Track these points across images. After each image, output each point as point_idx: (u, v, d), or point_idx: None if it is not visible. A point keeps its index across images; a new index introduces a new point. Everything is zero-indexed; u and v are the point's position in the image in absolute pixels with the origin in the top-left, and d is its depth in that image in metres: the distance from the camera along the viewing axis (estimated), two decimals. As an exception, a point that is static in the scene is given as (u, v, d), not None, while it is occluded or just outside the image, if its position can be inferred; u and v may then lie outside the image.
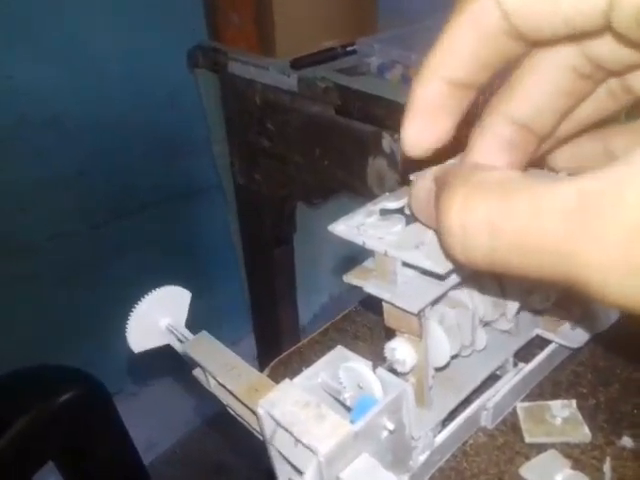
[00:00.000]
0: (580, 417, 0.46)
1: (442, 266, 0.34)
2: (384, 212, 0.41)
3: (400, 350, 0.40)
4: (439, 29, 0.30)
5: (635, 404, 0.47)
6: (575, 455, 0.43)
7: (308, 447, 0.34)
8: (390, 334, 0.42)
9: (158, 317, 0.49)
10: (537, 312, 0.48)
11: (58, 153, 1.39)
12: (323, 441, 0.34)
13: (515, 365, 0.48)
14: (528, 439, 0.45)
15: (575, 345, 0.47)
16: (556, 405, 0.47)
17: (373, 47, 1.04)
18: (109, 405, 0.89)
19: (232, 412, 0.45)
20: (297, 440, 0.35)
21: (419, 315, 0.38)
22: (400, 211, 0.41)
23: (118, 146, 1.46)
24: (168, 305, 0.50)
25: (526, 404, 0.47)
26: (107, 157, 1.45)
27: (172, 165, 1.59)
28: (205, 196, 1.69)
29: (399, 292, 0.38)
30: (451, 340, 0.42)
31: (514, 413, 0.47)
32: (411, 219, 0.39)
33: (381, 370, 0.38)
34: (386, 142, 1.07)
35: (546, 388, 0.49)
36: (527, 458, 0.43)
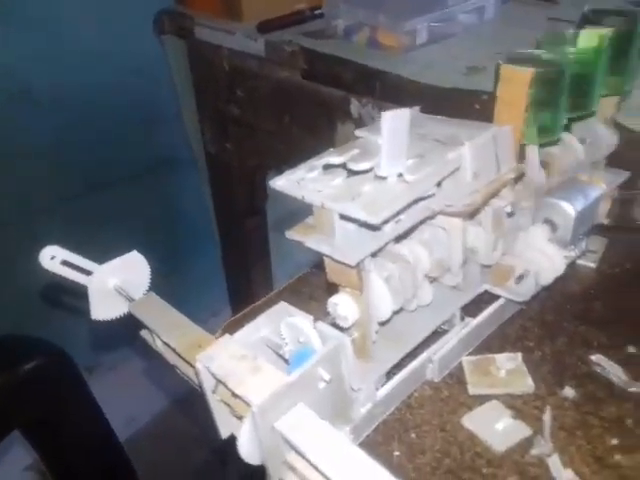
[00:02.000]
0: (525, 369, 0.46)
1: (376, 216, 0.34)
2: (327, 167, 0.41)
3: (342, 305, 0.40)
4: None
5: (579, 356, 0.47)
6: (517, 405, 0.44)
7: (242, 398, 0.34)
8: (333, 289, 0.42)
9: (116, 284, 0.49)
10: (485, 267, 0.48)
11: (28, 126, 1.36)
12: (257, 392, 0.34)
13: (462, 320, 0.48)
14: (471, 391, 0.45)
15: (520, 299, 0.48)
16: (502, 358, 0.47)
17: (339, 9, 1.02)
18: (77, 376, 0.88)
19: (179, 372, 0.45)
20: (232, 392, 0.35)
21: (358, 268, 0.38)
22: (343, 166, 0.40)
23: (90, 118, 1.43)
24: (127, 272, 0.49)
25: (473, 357, 0.48)
26: (79, 130, 1.42)
27: (146, 137, 1.56)
28: (181, 167, 1.67)
29: (337, 245, 0.37)
30: (393, 294, 0.42)
31: (460, 366, 0.48)
32: (352, 173, 0.39)
33: (321, 324, 0.38)
34: (354, 107, 1.05)
35: (494, 342, 0.50)
36: (470, 409, 0.44)
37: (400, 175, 0.37)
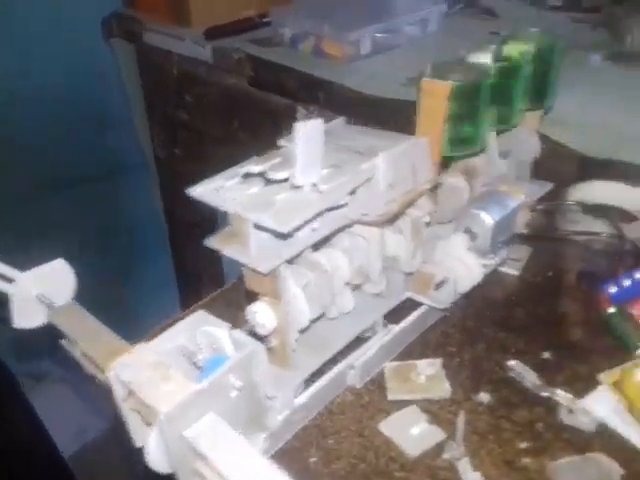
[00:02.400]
0: (443, 375, 0.48)
1: (285, 225, 0.35)
2: (247, 176, 0.41)
3: (260, 313, 0.41)
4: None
5: (497, 361, 0.49)
6: (433, 410, 0.45)
7: (150, 407, 0.34)
8: (252, 297, 0.42)
9: (39, 292, 0.48)
10: (407, 275, 0.50)
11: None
12: (165, 400, 0.34)
13: (385, 327, 0.49)
14: (390, 396, 0.46)
15: (440, 306, 0.49)
16: (422, 364, 0.48)
17: (286, 17, 1.03)
18: (11, 386, 0.86)
19: (97, 382, 0.44)
20: (142, 401, 0.35)
21: (273, 276, 0.39)
22: (262, 174, 0.41)
23: (42, 121, 1.40)
24: (51, 280, 0.48)
25: (394, 364, 0.49)
26: (31, 133, 1.39)
27: (98, 140, 1.54)
28: (133, 171, 1.65)
29: (252, 254, 0.38)
30: (311, 302, 0.43)
31: (383, 373, 0.48)
32: (270, 182, 0.40)
33: (236, 332, 0.39)
34: (300, 115, 1.06)
35: (416, 348, 0.51)
36: (388, 414, 0.45)
37: (314, 185, 0.38)
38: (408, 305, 0.51)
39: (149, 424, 0.36)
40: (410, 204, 0.44)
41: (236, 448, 0.33)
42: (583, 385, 0.46)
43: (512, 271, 0.59)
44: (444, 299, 0.49)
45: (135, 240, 1.78)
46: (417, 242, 0.47)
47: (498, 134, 0.57)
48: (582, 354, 0.49)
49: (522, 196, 0.51)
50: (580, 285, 0.56)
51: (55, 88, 1.48)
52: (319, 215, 0.37)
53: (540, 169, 0.68)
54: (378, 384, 0.48)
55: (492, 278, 0.57)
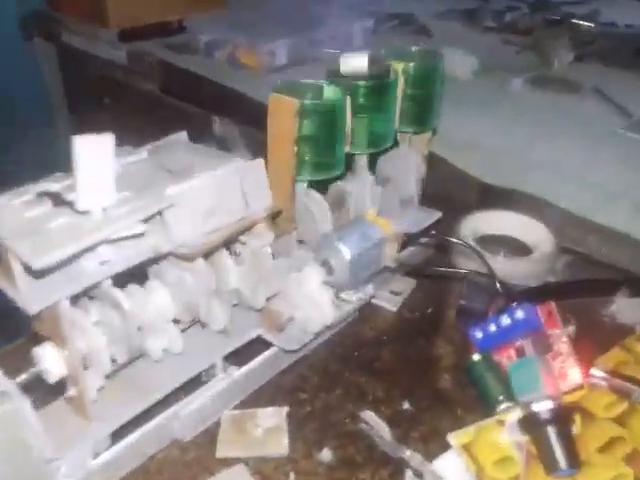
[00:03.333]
0: (285, 427, 0.42)
1: (39, 260, 0.29)
2: (43, 194, 0.35)
3: (46, 358, 0.34)
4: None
5: (349, 412, 0.44)
6: (266, 470, 0.39)
7: None
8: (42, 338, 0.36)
9: None
10: (257, 311, 0.44)
11: None
12: None
13: (225, 370, 0.43)
14: (219, 453, 0.40)
15: (287, 347, 0.44)
16: (265, 413, 0.43)
17: (203, 24, 0.98)
18: None
19: None
20: None
21: (55, 317, 0.33)
22: (58, 195, 0.35)
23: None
24: None
25: (234, 412, 0.43)
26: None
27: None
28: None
29: (21, 290, 0.32)
30: (116, 345, 0.37)
31: (219, 422, 0.43)
32: (64, 204, 0.34)
33: (5, 382, 0.32)
34: (217, 126, 1.01)
35: (266, 393, 0.45)
36: (212, 474, 0.39)
37: (105, 210, 0.32)
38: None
39: None
40: (237, 234, 0.38)
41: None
42: (439, 444, 0.41)
43: (389, 306, 0.54)
44: (291, 340, 0.44)
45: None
46: (259, 275, 0.41)
47: (375, 158, 0.52)
48: (445, 406, 0.44)
49: (390, 227, 0.46)
50: (458, 325, 0.52)
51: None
52: (94, 247, 0.32)
53: (438, 195, 0.64)
54: (210, 437, 0.42)
55: (367, 313, 0.52)
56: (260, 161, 0.39)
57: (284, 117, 0.41)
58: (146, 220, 0.33)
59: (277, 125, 0.42)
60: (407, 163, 0.55)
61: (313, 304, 0.43)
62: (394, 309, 0.53)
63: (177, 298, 0.39)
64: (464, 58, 0.94)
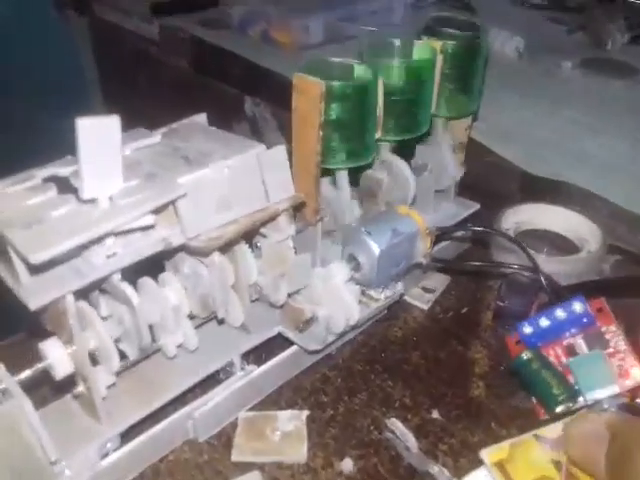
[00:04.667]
0: (305, 433, 0.39)
1: (36, 254, 0.26)
2: (53, 179, 0.33)
3: (51, 354, 0.32)
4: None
5: (374, 418, 0.41)
6: (282, 478, 0.37)
7: None
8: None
9: None
10: (276, 307, 0.41)
11: None
12: None
13: (243, 368, 0.41)
14: (234, 457, 0.38)
15: (309, 347, 0.41)
16: (284, 416, 0.40)
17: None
18: None
19: None
20: None
21: (61, 312, 0.31)
22: (67, 180, 0.32)
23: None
24: None
25: (251, 414, 0.41)
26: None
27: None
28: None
29: (23, 282, 0.29)
30: (127, 341, 0.35)
31: (236, 423, 0.40)
32: (72, 188, 0.31)
33: (8, 379, 0.31)
34: (248, 106, 0.98)
35: (286, 394, 0.43)
36: (226, 479, 0.37)
37: (111, 198, 0.30)
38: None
39: None
40: (256, 227, 0.36)
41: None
42: (469, 459, 0.38)
43: (421, 304, 0.50)
44: (313, 340, 0.41)
45: None
46: (279, 270, 0.38)
47: (407, 145, 0.48)
48: (478, 418, 0.41)
49: (423, 221, 0.43)
50: (495, 327, 0.48)
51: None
52: (100, 239, 0.29)
53: (477, 185, 0.60)
54: (226, 439, 0.39)
55: (396, 311, 0.49)
56: (282, 148, 0.35)
57: (309, 99, 0.37)
58: (156, 211, 0.30)
59: (301, 108, 0.39)
60: (443, 151, 0.51)
61: (338, 302, 0.40)
62: (425, 307, 0.50)
63: (192, 292, 0.37)
64: (509, 38, 0.89)
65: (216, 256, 0.35)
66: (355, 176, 0.47)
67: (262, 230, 0.38)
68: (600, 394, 0.36)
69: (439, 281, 0.52)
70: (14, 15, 1.33)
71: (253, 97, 0.95)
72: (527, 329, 0.40)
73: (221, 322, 0.40)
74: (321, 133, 0.38)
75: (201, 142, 0.36)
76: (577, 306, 0.38)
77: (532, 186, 0.60)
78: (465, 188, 0.57)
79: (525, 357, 0.39)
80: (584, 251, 0.54)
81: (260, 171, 0.34)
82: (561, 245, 0.57)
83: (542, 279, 0.43)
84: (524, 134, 0.66)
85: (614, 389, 0.36)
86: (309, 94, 0.38)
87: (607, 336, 0.39)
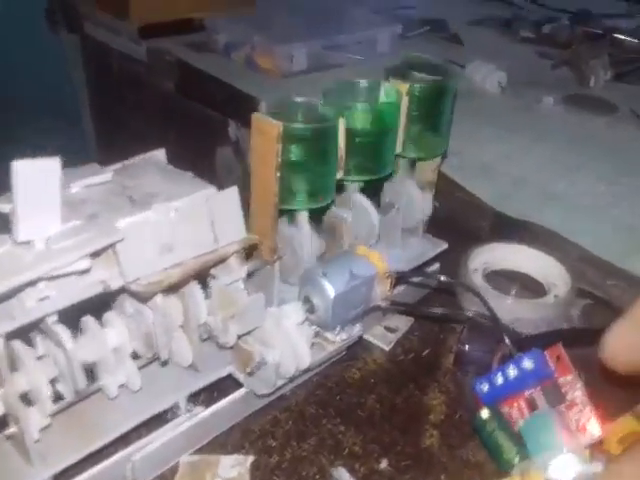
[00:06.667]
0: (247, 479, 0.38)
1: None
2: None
3: (-19, 393, 0.31)
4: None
5: (320, 467, 0.40)
6: (221, 528, 0.36)
7: None
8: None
9: None
10: (227, 348, 0.40)
11: None
12: None
13: (189, 410, 0.40)
14: (172, 504, 0.37)
15: (257, 391, 0.40)
16: (227, 462, 0.39)
17: (221, 23, 0.94)
18: None
19: None
20: None
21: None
22: (6, 217, 0.32)
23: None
24: None
25: (194, 458, 0.40)
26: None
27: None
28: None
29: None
30: (62, 382, 0.34)
31: (177, 467, 0.39)
32: (6, 226, 0.30)
33: None
34: (232, 130, 0.98)
35: (233, 436, 0.42)
36: (162, 528, 0.36)
37: (48, 241, 0.29)
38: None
39: None
40: (205, 270, 0.35)
41: None
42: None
43: (382, 345, 0.49)
44: (262, 383, 0.40)
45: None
46: (229, 312, 0.38)
47: (374, 184, 0.48)
48: (428, 469, 0.40)
49: (383, 262, 0.42)
50: (455, 372, 0.47)
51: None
52: (34, 282, 0.28)
53: (449, 221, 0.59)
54: (166, 483, 0.38)
55: (356, 351, 0.48)
56: (234, 189, 0.35)
57: (266, 140, 0.37)
58: (95, 254, 0.29)
59: (259, 148, 0.38)
60: (411, 191, 0.51)
61: (290, 345, 0.39)
62: (387, 348, 0.49)
63: (136, 332, 0.36)
64: (493, 72, 0.89)
65: (159, 299, 0.34)
66: (320, 214, 0.47)
67: (212, 271, 0.37)
68: (549, 458, 0.35)
69: (402, 321, 0.52)
70: (7, 26, 1.33)
71: (236, 121, 0.95)
72: (484, 386, 0.39)
73: (164, 364, 0.39)
74: (278, 174, 0.38)
75: (151, 181, 0.35)
76: (529, 363, 0.37)
77: (502, 225, 0.60)
78: (435, 224, 0.56)
79: (483, 417, 0.38)
80: (551, 295, 0.54)
81: (209, 213, 0.34)
82: (530, 286, 0.56)
83: (502, 332, 0.42)
84: (497, 170, 0.66)
85: (560, 449, 0.35)
86: (267, 135, 0.37)
87: (564, 388, 0.38)
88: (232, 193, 0.35)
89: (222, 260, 0.35)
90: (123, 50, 1.10)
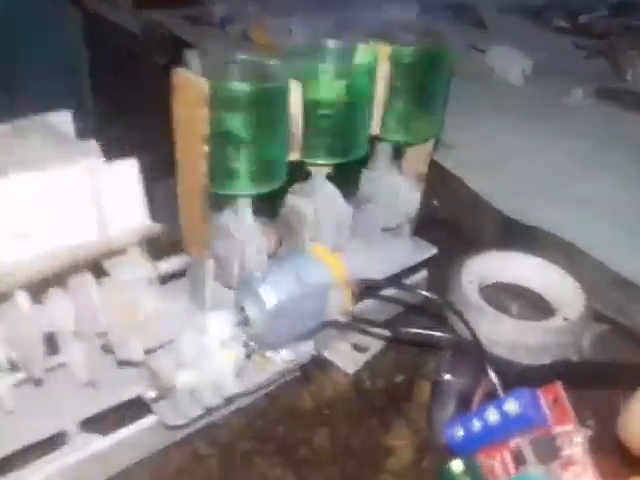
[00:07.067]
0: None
1: None
2: None
3: None
4: None
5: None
6: None
7: None
8: None
9: None
10: (132, 365, 0.32)
11: None
12: None
13: (82, 438, 0.32)
14: None
15: (170, 422, 0.32)
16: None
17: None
18: None
19: None
20: None
21: None
22: None
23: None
24: None
25: (86, 498, 0.32)
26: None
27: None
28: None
29: None
30: None
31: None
32: None
33: None
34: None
35: (139, 474, 0.33)
36: None
37: None
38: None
39: None
40: (87, 263, 0.27)
41: None
42: None
43: (345, 366, 0.41)
44: (174, 412, 0.32)
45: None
46: (127, 320, 0.29)
47: (344, 173, 0.39)
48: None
49: (342, 268, 0.34)
50: (430, 406, 0.38)
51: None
52: None
53: (448, 225, 0.51)
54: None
55: (312, 373, 0.40)
56: (133, 163, 0.27)
57: (190, 104, 0.29)
58: None
59: (183, 115, 0.30)
60: (394, 182, 0.42)
61: (211, 366, 0.31)
62: (351, 371, 0.41)
63: (12, 342, 0.28)
64: (517, 58, 0.79)
65: (20, 297, 0.26)
66: (274, 205, 0.38)
67: (108, 268, 0.29)
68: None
69: (374, 343, 0.43)
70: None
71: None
72: (459, 432, 0.30)
73: (37, 383, 0.31)
74: (207, 148, 0.30)
75: (31, 146, 0.27)
76: (513, 406, 0.29)
77: (505, 230, 0.50)
78: (433, 226, 0.47)
79: (454, 470, 0.29)
80: (559, 316, 0.44)
81: (92, 191, 0.26)
82: (536, 304, 0.47)
83: (485, 361, 0.33)
84: (507, 167, 0.56)
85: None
86: (190, 97, 0.29)
87: (559, 441, 0.29)
88: (129, 167, 0.26)
89: (113, 253, 0.27)
90: (121, 23, 1.04)
